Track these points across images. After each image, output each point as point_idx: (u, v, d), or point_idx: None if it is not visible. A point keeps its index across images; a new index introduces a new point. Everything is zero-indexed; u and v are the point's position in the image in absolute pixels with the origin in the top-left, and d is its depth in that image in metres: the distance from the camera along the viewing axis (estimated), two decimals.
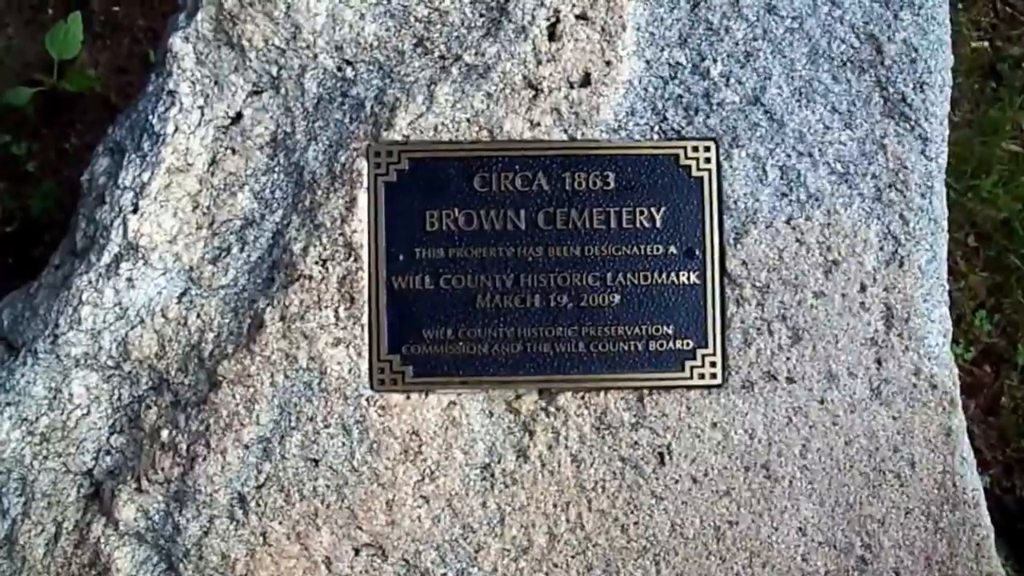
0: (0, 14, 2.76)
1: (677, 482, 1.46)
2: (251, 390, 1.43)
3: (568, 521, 1.46)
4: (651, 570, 1.46)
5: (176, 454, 1.43)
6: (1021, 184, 2.30)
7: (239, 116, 1.50)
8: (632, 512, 1.46)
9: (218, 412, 1.42)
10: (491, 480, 1.45)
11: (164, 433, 1.43)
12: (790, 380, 1.46)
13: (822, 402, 1.47)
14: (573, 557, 1.46)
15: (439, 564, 1.45)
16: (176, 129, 1.48)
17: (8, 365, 1.48)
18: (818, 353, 1.46)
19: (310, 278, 1.44)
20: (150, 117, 1.50)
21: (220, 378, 1.42)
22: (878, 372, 1.47)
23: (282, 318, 1.43)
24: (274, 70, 1.49)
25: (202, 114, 1.49)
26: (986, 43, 2.54)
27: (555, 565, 1.46)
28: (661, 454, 1.46)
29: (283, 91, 1.49)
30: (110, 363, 1.46)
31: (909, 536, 1.49)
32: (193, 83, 1.50)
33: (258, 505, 1.42)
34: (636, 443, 1.45)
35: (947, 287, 1.51)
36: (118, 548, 1.44)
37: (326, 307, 1.44)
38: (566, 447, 1.45)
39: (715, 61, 1.48)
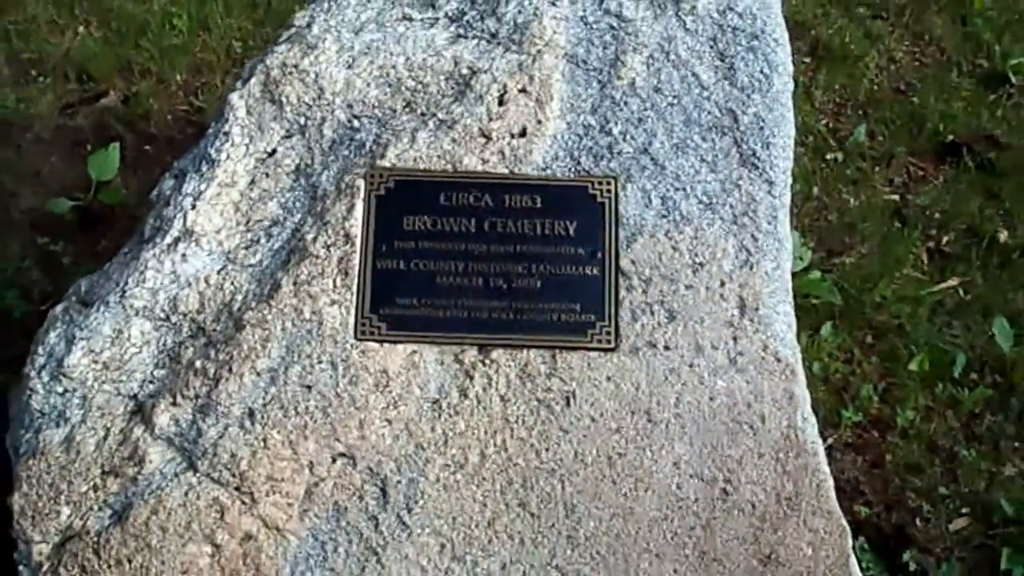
0: (48, 144, 3.42)
1: (579, 420, 1.91)
2: (266, 332, 1.93)
3: (495, 445, 1.91)
4: (557, 487, 1.89)
5: (205, 377, 1.91)
6: (911, 297, 2.85)
7: (274, 152, 2.08)
8: (544, 441, 1.91)
9: (240, 347, 1.92)
10: (439, 411, 1.92)
11: (197, 362, 1.92)
12: (667, 348, 1.94)
13: (691, 366, 1.94)
14: (498, 473, 1.90)
15: (395, 472, 1.89)
16: (227, 157, 2.06)
17: (84, 313, 2.00)
18: (688, 329, 1.96)
19: (317, 257, 1.97)
20: (209, 149, 2.08)
21: (244, 322, 1.93)
22: (734, 346, 1.95)
23: (294, 283, 1.95)
24: (302, 120, 2.09)
25: (247, 149, 2.08)
26: (896, 196, 3.16)
27: (483, 479, 1.89)
28: (567, 398, 1.92)
29: (307, 135, 2.08)
30: (161, 315, 1.97)
31: (762, 475, 1.92)
32: (243, 127, 2.09)
33: (262, 417, 1.89)
34: (549, 388, 1.92)
35: (790, 291, 2.01)
36: (152, 446, 1.89)
37: (327, 277, 1.96)
38: (496, 389, 1.92)
39: (616, 124, 2.06)
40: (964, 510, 2.47)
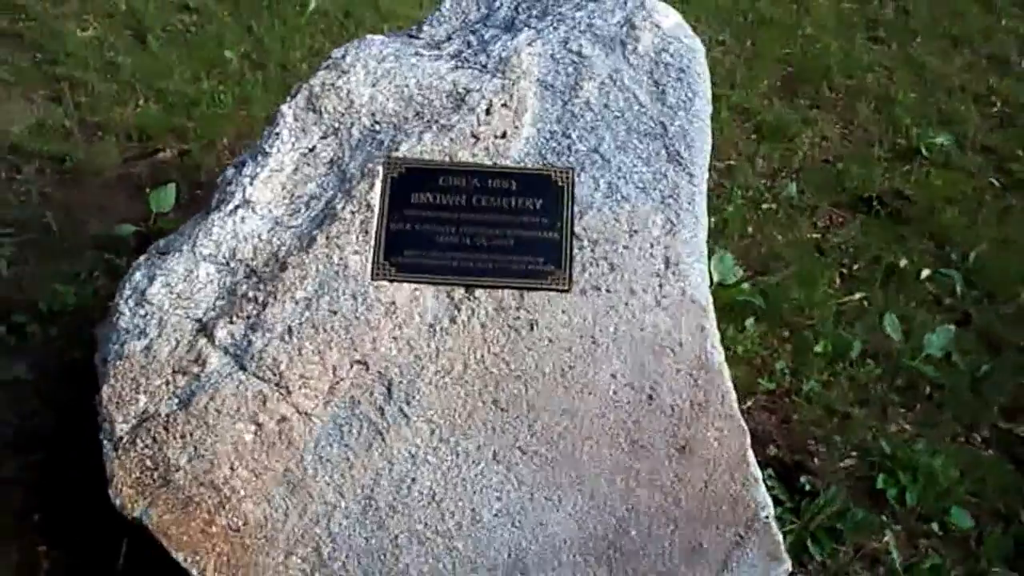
0: (112, 187, 4.08)
1: (540, 341, 2.51)
2: (304, 272, 2.55)
3: (475, 358, 2.50)
4: (521, 390, 2.48)
5: (255, 303, 2.52)
6: (822, 304, 3.47)
7: (313, 148, 2.74)
8: (512, 356, 2.50)
9: (283, 282, 2.53)
10: (433, 332, 2.52)
11: (250, 293, 2.54)
12: (608, 291, 2.56)
13: (626, 304, 2.55)
14: (477, 378, 2.48)
15: (398, 376, 2.48)
16: (278, 151, 2.72)
17: (163, 259, 2.62)
18: (624, 278, 2.57)
19: (344, 220, 2.60)
20: (264, 145, 2.74)
21: (287, 265, 2.55)
22: (660, 291, 2.56)
23: (326, 238, 2.58)
24: (336, 124, 2.75)
25: (293, 145, 2.74)
26: (818, 235, 3.81)
27: (465, 382, 2.48)
28: (531, 324, 2.52)
29: (340, 136, 2.74)
30: (223, 261, 2.59)
31: (679, 386, 2.50)
32: (290, 130, 2.76)
33: (298, 333, 2.49)
34: (518, 317, 2.53)
35: (704, 253, 2.62)
36: (211, 353, 2.48)
37: (351, 234, 2.58)
38: (478, 318, 2.53)
39: (574, 130, 2.71)
40: (853, 453, 3.04)
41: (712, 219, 3.56)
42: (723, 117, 4.36)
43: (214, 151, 4.21)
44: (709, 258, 3.11)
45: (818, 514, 2.82)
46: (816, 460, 3.00)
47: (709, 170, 3.48)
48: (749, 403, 3.09)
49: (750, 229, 3.78)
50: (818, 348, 3.29)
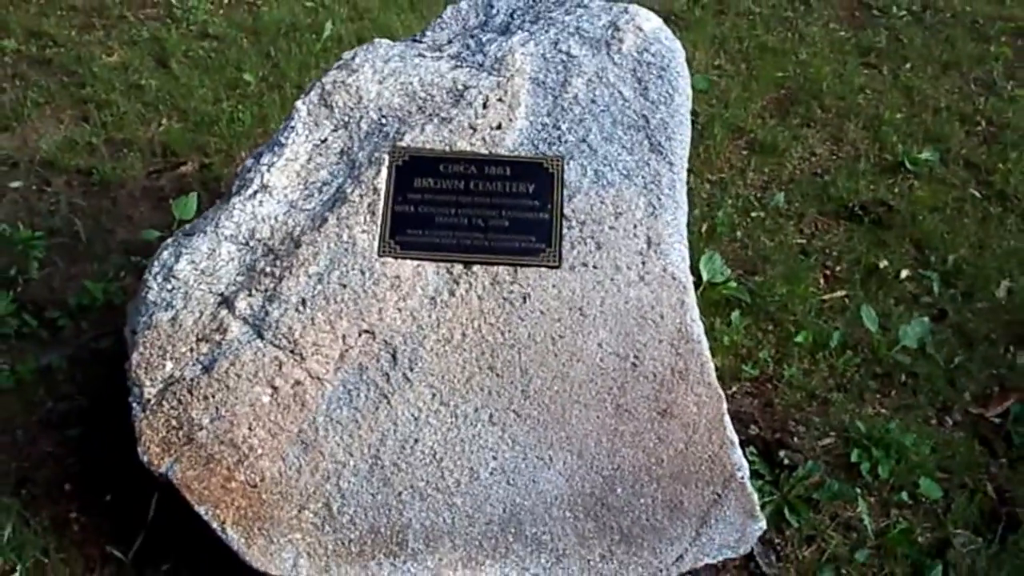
0: (138, 198, 4.31)
1: (532, 312, 2.73)
2: (316, 249, 2.77)
3: (473, 328, 2.72)
4: (515, 357, 2.69)
5: (272, 277, 2.75)
6: (805, 299, 3.68)
7: (325, 139, 2.97)
8: (507, 326, 2.72)
9: (298, 257, 2.76)
10: (434, 304, 2.74)
11: (267, 268, 2.77)
12: (595, 267, 2.77)
13: (612, 280, 2.76)
14: (474, 346, 2.70)
15: (402, 344, 2.70)
16: (293, 142, 2.96)
17: (188, 239, 2.85)
18: (610, 255, 2.79)
19: (353, 202, 2.83)
20: (280, 137, 2.98)
21: (301, 243, 2.77)
22: (643, 268, 2.78)
23: (337, 219, 2.81)
24: (346, 118, 3.00)
25: (306, 137, 2.98)
26: (804, 240, 4.02)
27: (464, 350, 2.69)
28: (524, 297, 2.74)
29: (349, 128, 2.98)
30: (243, 240, 2.83)
31: (661, 355, 2.71)
32: (304, 123, 3.00)
33: (311, 304, 2.71)
34: (512, 291, 2.75)
35: (684, 235, 2.82)
36: (232, 323, 2.71)
37: (360, 215, 2.82)
38: (475, 291, 2.75)
39: (563, 123, 2.95)
40: (831, 433, 3.23)
41: (703, 225, 3.82)
42: (717, 134, 4.59)
43: (233, 164, 4.44)
44: (700, 258, 3.36)
45: (796, 485, 3.00)
46: (796, 439, 3.18)
47: (702, 181, 3.77)
48: (734, 388, 3.29)
49: (739, 234, 4.00)
50: (799, 339, 3.49)
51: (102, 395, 3.22)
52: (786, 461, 3.08)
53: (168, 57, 5.24)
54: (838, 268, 3.90)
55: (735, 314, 3.52)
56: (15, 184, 4.34)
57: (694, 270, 3.13)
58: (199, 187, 4.27)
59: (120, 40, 5.43)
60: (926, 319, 3.58)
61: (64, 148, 4.53)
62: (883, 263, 3.88)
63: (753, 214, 4.16)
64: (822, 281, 3.85)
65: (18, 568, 2.74)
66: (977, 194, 4.34)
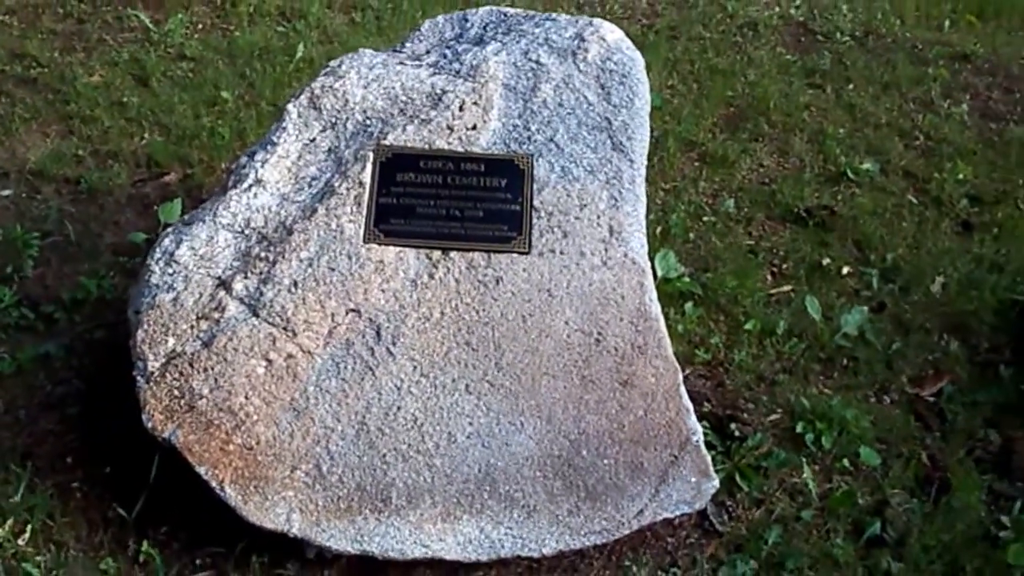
0: (124, 205, 4.53)
1: (505, 293, 2.98)
2: (307, 236, 3.02)
3: (451, 307, 2.97)
4: (490, 333, 2.94)
5: (266, 261, 3.00)
6: (753, 291, 3.98)
7: (314, 139, 3.23)
8: (481, 305, 2.97)
9: (290, 243, 3.01)
10: (415, 286, 2.99)
11: (262, 254, 3.01)
12: (562, 253, 3.04)
13: (577, 264, 3.03)
14: (452, 324, 2.95)
15: (386, 321, 2.95)
16: (284, 142, 3.21)
17: (188, 227, 3.10)
18: (576, 242, 3.06)
19: (341, 195, 3.08)
20: (272, 137, 3.24)
21: (293, 231, 3.01)
22: (605, 254, 3.05)
23: (326, 209, 3.06)
24: (334, 119, 3.26)
25: (296, 137, 3.24)
26: (752, 242, 4.33)
27: (442, 327, 2.95)
28: (497, 280, 3.00)
29: (336, 129, 3.25)
30: (239, 228, 3.07)
31: (623, 332, 2.97)
32: (294, 124, 3.25)
33: (303, 286, 2.96)
34: (486, 274, 3.00)
35: (643, 225, 3.10)
36: (230, 302, 2.94)
37: (347, 206, 3.07)
38: (452, 274, 3.01)
39: (533, 124, 3.22)
40: (778, 410, 3.51)
41: (657, 228, 4.11)
42: (671, 147, 4.89)
43: (214, 174, 4.68)
44: (655, 256, 3.64)
45: (746, 455, 3.27)
46: (745, 415, 3.45)
47: (657, 189, 4.08)
48: (687, 371, 3.55)
49: (692, 236, 4.29)
50: (749, 326, 3.78)
51: (98, 379, 3.44)
52: (737, 433, 3.34)
53: (148, 77, 5.46)
54: (784, 266, 4.19)
55: (688, 305, 3.80)
56: (6, 192, 4.53)
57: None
58: (182, 193, 4.49)
59: (101, 61, 5.65)
60: (865, 308, 3.87)
61: (52, 160, 4.72)
62: (826, 261, 4.18)
63: (705, 218, 4.45)
64: (769, 277, 4.14)
65: (28, 528, 2.95)
66: (914, 200, 4.66)
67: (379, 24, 6.18)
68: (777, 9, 6.57)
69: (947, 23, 6.56)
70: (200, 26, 6.14)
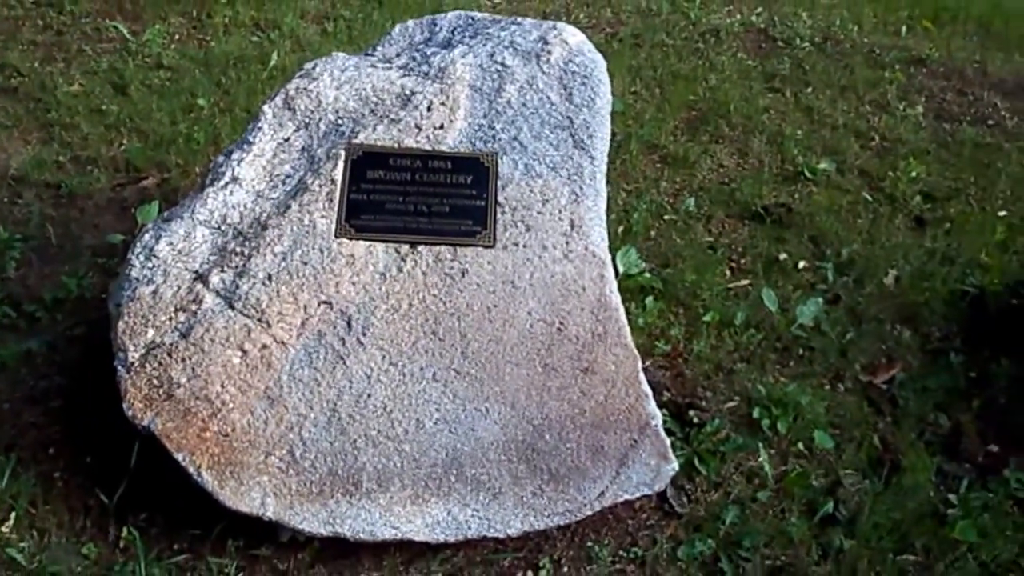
0: (103, 208, 4.65)
1: (470, 285, 3.10)
2: (281, 231, 3.15)
3: (418, 298, 3.10)
4: (456, 323, 3.08)
5: (241, 256, 3.12)
6: (712, 285, 4.13)
7: (288, 139, 3.36)
8: (448, 296, 3.10)
9: (264, 238, 3.13)
10: (384, 278, 3.12)
11: (237, 248, 3.14)
12: (524, 246, 3.17)
13: (540, 257, 3.15)
14: (419, 314, 3.07)
15: (357, 312, 3.07)
16: (259, 141, 3.34)
17: (167, 223, 3.22)
18: (538, 236, 3.19)
19: (313, 192, 3.21)
20: (248, 136, 3.36)
21: (268, 226, 3.14)
22: (567, 247, 3.18)
23: (299, 204, 3.19)
24: (307, 120, 3.39)
25: (271, 136, 3.36)
26: (712, 239, 4.48)
27: (411, 317, 3.08)
28: (463, 272, 3.13)
29: (310, 129, 3.38)
30: (215, 224, 3.19)
31: (584, 321, 3.10)
32: (269, 124, 3.38)
33: (276, 279, 3.08)
34: (452, 267, 3.13)
35: (604, 219, 3.24)
36: (207, 295, 3.06)
37: (319, 202, 3.20)
38: (420, 267, 3.14)
39: (498, 124, 3.36)
40: (735, 398, 3.66)
41: (619, 227, 4.26)
42: (633, 149, 5.05)
43: (190, 177, 4.80)
44: (616, 253, 3.79)
45: (705, 440, 3.41)
46: (704, 402, 3.60)
47: (619, 190, 4.22)
48: (648, 362, 3.69)
49: (653, 233, 4.44)
50: (707, 318, 3.93)
51: (79, 373, 3.55)
52: (695, 420, 3.48)
53: (126, 85, 5.58)
54: (742, 261, 4.35)
55: (649, 299, 3.95)
56: None
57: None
58: (159, 196, 4.61)
59: (80, 70, 5.76)
60: (821, 300, 4.03)
61: (33, 165, 4.83)
62: (783, 256, 4.34)
63: (666, 217, 4.60)
64: (728, 272, 4.29)
65: (12, 515, 3.06)
66: (869, 197, 4.83)
67: (350, 33, 6.33)
68: (739, 17, 6.78)
69: (904, 28, 6.78)
70: (177, 36, 6.28)
